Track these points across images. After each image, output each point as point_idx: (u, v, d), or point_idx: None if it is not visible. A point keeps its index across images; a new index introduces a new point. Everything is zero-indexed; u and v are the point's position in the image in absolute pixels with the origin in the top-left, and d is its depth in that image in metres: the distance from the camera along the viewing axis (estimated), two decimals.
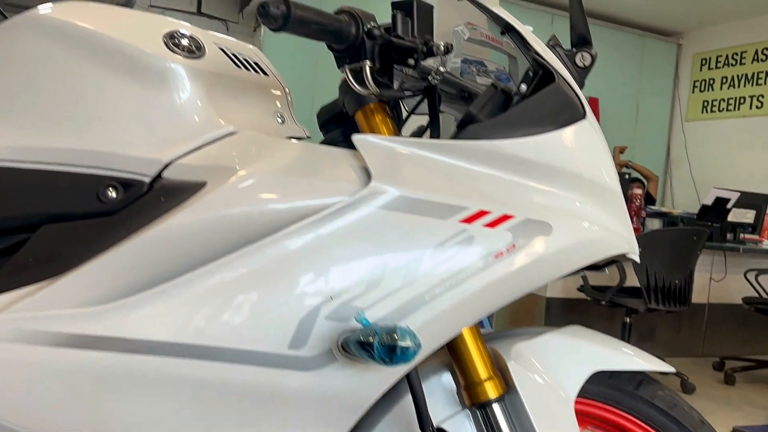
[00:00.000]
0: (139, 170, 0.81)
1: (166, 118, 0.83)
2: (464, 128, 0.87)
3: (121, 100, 0.82)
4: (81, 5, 0.90)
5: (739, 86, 5.98)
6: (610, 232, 0.85)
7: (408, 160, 0.79)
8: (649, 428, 0.90)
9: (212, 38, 0.92)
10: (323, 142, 0.96)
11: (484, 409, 0.84)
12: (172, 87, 0.83)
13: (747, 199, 4.49)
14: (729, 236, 4.38)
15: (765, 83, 5.76)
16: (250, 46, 0.98)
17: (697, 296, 4.02)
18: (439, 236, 0.76)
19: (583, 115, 0.85)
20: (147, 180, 0.81)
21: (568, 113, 0.84)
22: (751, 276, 3.87)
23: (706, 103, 6.28)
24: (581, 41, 0.97)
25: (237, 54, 0.93)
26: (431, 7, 0.91)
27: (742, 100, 5.96)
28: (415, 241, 0.76)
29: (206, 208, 0.75)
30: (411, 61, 0.85)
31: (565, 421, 0.85)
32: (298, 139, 0.94)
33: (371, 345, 0.66)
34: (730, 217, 4.31)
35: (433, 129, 0.97)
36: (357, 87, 0.84)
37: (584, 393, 0.88)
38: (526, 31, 0.94)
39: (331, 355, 0.73)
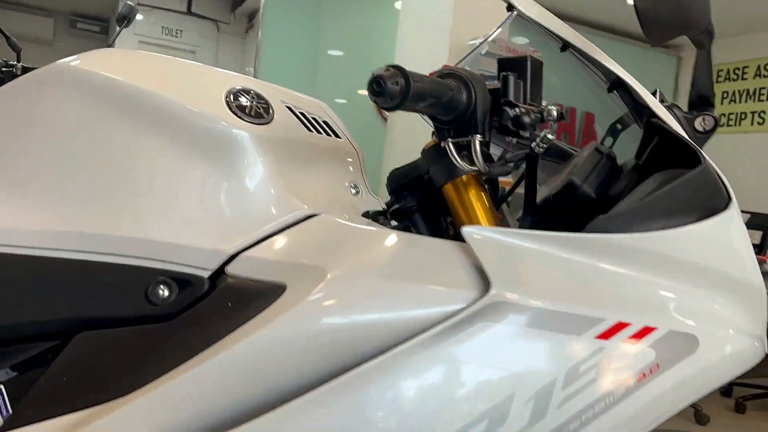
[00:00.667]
0: (196, 263, 0.66)
1: (230, 198, 0.68)
2: (565, 198, 0.74)
3: (173, 176, 0.68)
4: (119, 54, 0.75)
5: (740, 102, 5.93)
6: (753, 339, 0.71)
7: (529, 259, 0.65)
8: None
9: (278, 94, 0.77)
10: (396, 211, 0.82)
11: None
12: (238, 160, 0.68)
13: (755, 220, 4.43)
14: None
15: (767, 99, 5.71)
16: (318, 102, 0.83)
17: None
18: (573, 358, 0.62)
19: (728, 202, 0.72)
20: (206, 275, 0.66)
21: (713, 200, 0.71)
22: None
23: None
24: (703, 102, 0.83)
25: (306, 113, 0.78)
26: (542, 64, 0.77)
27: (743, 116, 5.90)
28: (545, 364, 0.62)
29: (297, 321, 0.60)
30: (525, 133, 0.71)
31: None
32: (375, 214, 0.80)
33: None
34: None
35: (528, 202, 0.83)
36: (461, 163, 0.70)
37: None
38: (641, 87, 0.81)
39: None
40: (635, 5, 0.73)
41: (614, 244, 0.67)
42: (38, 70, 0.72)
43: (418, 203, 0.81)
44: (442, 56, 3.47)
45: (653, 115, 0.78)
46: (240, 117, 0.70)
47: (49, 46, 6.15)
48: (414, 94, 0.60)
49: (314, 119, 0.79)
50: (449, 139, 0.70)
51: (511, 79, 0.72)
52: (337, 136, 0.81)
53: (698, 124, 0.83)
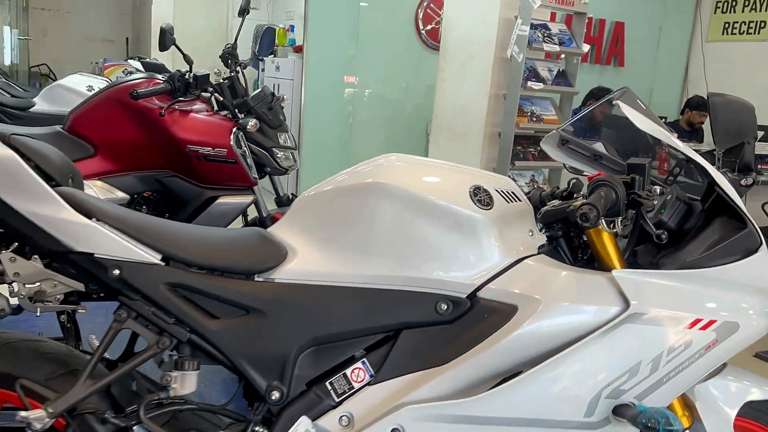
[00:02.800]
0: (458, 290, 1.20)
1: (474, 253, 1.21)
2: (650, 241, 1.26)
3: (445, 243, 1.20)
4: (407, 165, 1.25)
5: (760, 10, 6.16)
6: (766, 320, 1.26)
7: (654, 288, 1.18)
8: None
9: (493, 183, 1.27)
10: (551, 238, 1.34)
11: None
12: (479, 233, 1.21)
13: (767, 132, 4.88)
14: None
15: None
16: (507, 179, 1.33)
17: None
18: (672, 340, 1.17)
19: (759, 245, 1.24)
20: (464, 297, 1.20)
21: (753, 245, 1.23)
22: None
23: (727, 25, 6.48)
24: (746, 169, 1.33)
25: (503, 191, 1.28)
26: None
27: (763, 24, 6.16)
28: (657, 344, 1.17)
29: (529, 326, 1.14)
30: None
31: None
32: (543, 246, 1.32)
33: (655, 428, 1.08)
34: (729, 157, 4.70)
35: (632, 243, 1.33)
36: (608, 229, 1.22)
37: (740, 414, 1.33)
38: (709, 166, 1.30)
39: (607, 420, 1.16)
40: (711, 115, 1.22)
41: (698, 275, 1.20)
42: (362, 182, 1.22)
43: (564, 235, 1.34)
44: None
45: (715, 182, 1.28)
46: (478, 206, 1.21)
47: None
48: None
49: (511, 193, 1.29)
50: (603, 219, 1.20)
51: (637, 180, 1.21)
52: (519, 200, 1.32)
53: (743, 182, 1.33)
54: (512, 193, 1.31)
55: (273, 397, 1.17)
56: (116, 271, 1.13)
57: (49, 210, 1.10)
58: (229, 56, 2.57)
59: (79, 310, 2.46)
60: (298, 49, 5.48)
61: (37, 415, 1.04)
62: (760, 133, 4.64)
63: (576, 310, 1.16)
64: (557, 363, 1.14)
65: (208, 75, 2.36)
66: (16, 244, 2.43)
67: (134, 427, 1.15)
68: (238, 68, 2.55)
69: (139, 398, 1.19)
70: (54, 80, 9.00)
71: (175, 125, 2.27)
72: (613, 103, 1.29)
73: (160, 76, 2.37)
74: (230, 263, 1.20)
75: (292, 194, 2.72)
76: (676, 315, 1.18)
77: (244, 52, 2.85)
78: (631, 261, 1.29)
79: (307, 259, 1.22)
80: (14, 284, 2.35)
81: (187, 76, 2.31)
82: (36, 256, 2.46)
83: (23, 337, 1.23)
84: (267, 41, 6.05)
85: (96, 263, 1.13)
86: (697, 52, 6.71)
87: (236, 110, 2.42)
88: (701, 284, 1.21)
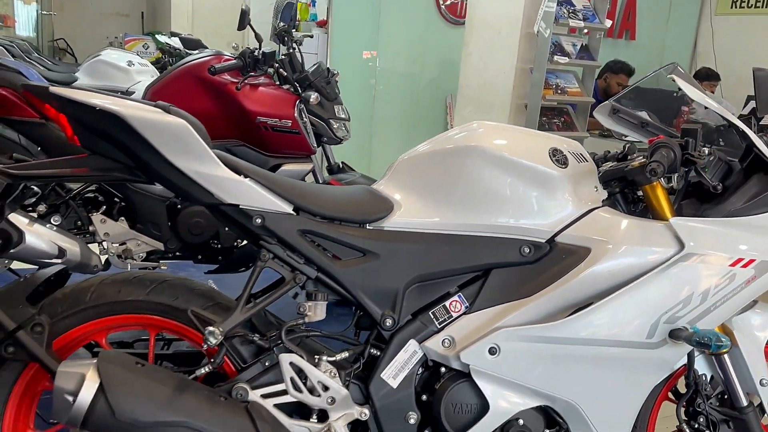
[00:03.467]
0: (539, 236, 1.44)
1: (553, 205, 1.44)
2: (695, 193, 1.49)
3: (529, 197, 1.43)
4: (493, 130, 1.47)
5: None
6: None
7: (704, 232, 1.41)
8: None
9: (566, 146, 1.50)
10: (610, 194, 1.57)
11: (720, 357, 1.54)
12: (557, 187, 1.44)
13: None
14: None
15: None
16: (575, 143, 1.56)
17: None
18: (719, 275, 1.41)
19: None
20: (544, 242, 1.43)
21: None
22: None
23: None
24: None
25: (575, 153, 1.51)
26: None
27: None
28: (708, 278, 1.40)
29: (600, 265, 1.38)
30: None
31: (759, 360, 1.55)
32: (604, 201, 1.55)
33: (707, 344, 1.32)
34: (762, 122, 4.93)
35: (682, 194, 1.56)
36: (665, 184, 1.44)
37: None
38: (748, 129, 1.52)
39: (664, 341, 1.40)
40: (755, 86, 1.45)
41: (740, 222, 1.43)
42: (457, 145, 1.45)
43: (621, 192, 1.57)
44: None
45: (753, 144, 1.50)
46: (556, 165, 1.43)
47: None
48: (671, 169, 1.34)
49: (580, 154, 1.51)
50: (663, 178, 1.43)
51: (690, 142, 1.44)
52: (587, 160, 1.54)
53: None
54: (581, 154, 1.54)
55: (386, 324, 1.41)
56: (258, 220, 1.35)
57: (207, 169, 1.32)
58: (285, 34, 2.76)
59: (161, 267, 2.71)
60: (322, 24, 5.64)
61: (211, 330, 1.27)
62: None
63: (639, 252, 1.40)
64: (623, 295, 1.38)
65: (274, 52, 2.56)
66: (105, 207, 2.67)
67: (274, 348, 1.39)
68: (295, 45, 2.75)
69: (273, 327, 1.43)
70: (72, 55, 9.15)
71: (246, 98, 2.48)
72: (668, 76, 1.51)
73: (228, 54, 2.57)
74: (348, 214, 1.42)
75: (342, 163, 2.94)
76: (722, 255, 1.42)
77: (264, 26, 3.02)
78: (678, 214, 1.53)
79: (410, 210, 1.45)
80: (104, 243, 2.60)
81: (256, 53, 2.51)
82: (122, 218, 2.71)
83: (173, 277, 1.45)
84: (288, 16, 6.20)
85: (242, 213, 1.35)
86: (706, 25, 6.88)
87: (297, 84, 2.62)
88: (743, 230, 1.45)
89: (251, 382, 1.36)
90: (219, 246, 2.56)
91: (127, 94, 4.03)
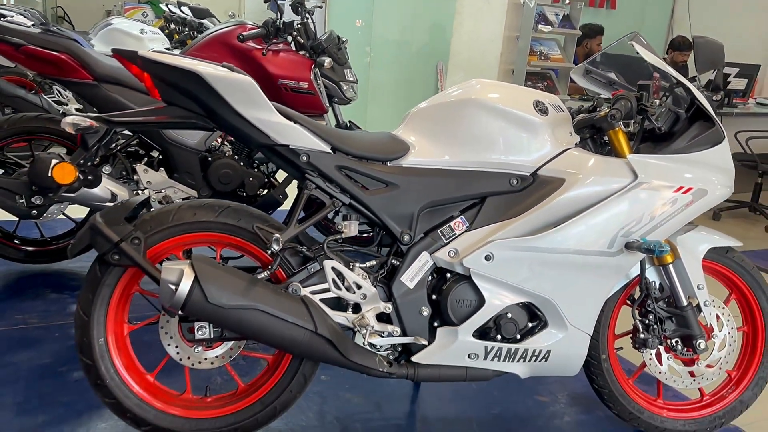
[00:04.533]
0: (525, 170, 1.82)
1: (536, 145, 1.82)
2: (651, 137, 1.88)
3: (517, 139, 1.81)
4: (492, 87, 1.84)
5: None
6: (727, 188, 1.89)
7: (653, 166, 1.81)
8: (731, 274, 2.02)
9: (547, 99, 1.87)
10: (582, 139, 1.95)
11: (666, 267, 1.94)
12: (539, 131, 1.82)
13: (743, 70, 5.49)
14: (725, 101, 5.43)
15: None
16: (554, 96, 1.93)
17: None
18: (664, 199, 1.80)
19: (723, 138, 1.86)
20: (528, 174, 1.82)
21: (718, 137, 1.85)
22: (741, 137, 4.98)
23: None
24: (716, 89, 1.95)
25: (554, 104, 1.89)
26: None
27: None
28: (656, 201, 1.80)
29: (572, 192, 1.77)
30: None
31: (697, 270, 1.96)
32: (577, 143, 1.93)
33: (653, 250, 1.73)
34: (729, 87, 5.33)
35: (639, 137, 1.95)
36: (624, 127, 1.83)
37: (705, 257, 1.99)
38: (692, 87, 1.91)
39: (621, 251, 1.80)
40: (695, 51, 1.83)
41: (685, 158, 1.83)
42: (459, 98, 1.82)
43: (591, 138, 1.95)
44: None
45: (695, 97, 1.89)
46: (540, 114, 1.81)
47: None
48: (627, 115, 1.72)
49: (558, 106, 1.89)
50: (621, 124, 1.81)
51: (644, 95, 1.82)
52: (563, 111, 1.92)
53: (714, 97, 1.94)
54: (559, 106, 1.92)
55: (405, 239, 1.80)
56: (304, 157, 1.72)
57: (266, 116, 1.67)
58: (299, 5, 3.09)
59: None
60: None
61: (277, 237, 1.65)
62: (736, 70, 5.26)
63: (602, 182, 1.79)
64: (590, 215, 1.77)
65: (293, 22, 2.90)
66: (146, 159, 3.05)
67: (317, 258, 1.77)
68: (308, 15, 3.08)
69: (316, 243, 1.81)
70: (69, 22, 9.31)
71: (270, 63, 2.82)
72: (629, 43, 1.89)
73: (251, 23, 2.90)
74: (373, 153, 1.79)
75: (350, 121, 3.30)
76: (667, 184, 1.81)
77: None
78: (636, 153, 1.92)
79: (423, 151, 1.83)
80: (146, 190, 2.98)
81: (277, 23, 2.84)
82: (162, 169, 3.10)
83: (235, 204, 1.81)
84: None
85: (292, 151, 1.71)
86: None
87: (312, 50, 2.96)
88: (684, 164, 1.84)
89: (302, 282, 1.74)
90: (245, 194, 2.92)
91: None
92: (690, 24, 7.13)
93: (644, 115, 1.85)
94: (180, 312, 1.59)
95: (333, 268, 1.73)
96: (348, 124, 3.30)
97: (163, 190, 2.82)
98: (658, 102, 1.86)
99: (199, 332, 1.71)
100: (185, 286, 1.56)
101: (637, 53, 1.90)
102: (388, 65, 6.13)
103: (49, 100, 3.62)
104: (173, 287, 1.56)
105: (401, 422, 2.14)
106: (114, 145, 2.67)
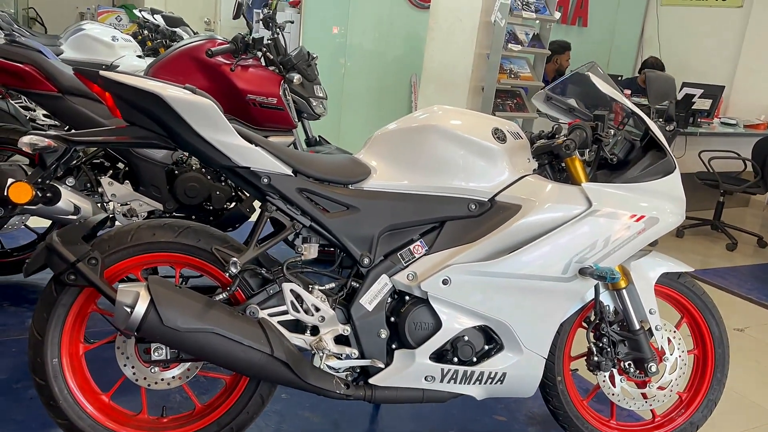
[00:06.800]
0: (482, 196, 1.86)
1: (494, 172, 1.86)
2: (607, 164, 1.93)
3: (475, 165, 1.85)
4: (451, 114, 1.88)
5: None
6: (678, 215, 1.95)
7: (607, 194, 1.85)
8: (683, 299, 2.08)
9: (506, 126, 1.91)
10: (540, 165, 1.99)
11: (619, 292, 1.99)
12: (497, 158, 1.86)
13: (708, 91, 5.63)
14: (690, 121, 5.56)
15: None
16: (513, 124, 1.98)
17: None
18: (618, 226, 1.85)
19: (674, 168, 1.92)
20: (486, 200, 1.86)
21: (670, 167, 1.91)
22: (704, 156, 5.10)
23: None
24: (669, 119, 2.01)
25: (512, 132, 1.93)
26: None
27: None
28: (609, 229, 1.85)
29: (528, 218, 1.81)
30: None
31: (649, 295, 2.01)
32: (535, 170, 1.97)
33: (604, 277, 1.77)
34: (694, 107, 5.47)
35: (595, 166, 2.00)
36: (580, 157, 1.88)
37: (658, 282, 2.04)
38: (646, 118, 1.96)
39: (576, 276, 1.85)
40: (647, 84, 1.88)
41: (637, 187, 1.88)
42: (420, 124, 1.85)
43: (550, 164, 1.99)
44: None
45: (648, 127, 1.94)
46: (498, 141, 1.85)
47: None
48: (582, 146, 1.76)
49: (516, 133, 1.93)
50: (577, 152, 1.86)
51: (599, 125, 1.87)
52: (522, 138, 1.96)
53: (668, 128, 2.00)
54: (517, 133, 1.96)
55: (364, 262, 1.82)
56: (266, 180, 1.73)
57: (227, 138, 1.69)
58: (269, 20, 3.11)
59: None
60: (294, 4, 5.95)
61: (234, 260, 1.66)
62: (701, 91, 5.40)
63: (558, 208, 1.83)
64: (545, 241, 1.81)
65: (263, 37, 2.91)
66: (111, 171, 3.03)
67: (276, 280, 1.78)
68: (278, 30, 3.10)
69: (275, 264, 1.82)
70: (41, 24, 9.19)
71: (238, 78, 2.83)
72: (585, 73, 1.94)
73: (220, 38, 2.91)
74: (335, 176, 1.81)
75: (319, 136, 3.32)
76: (621, 212, 1.86)
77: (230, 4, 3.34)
78: (593, 181, 1.96)
79: (384, 175, 1.85)
80: (111, 203, 2.96)
81: (246, 38, 2.85)
82: (127, 181, 3.07)
83: (195, 224, 1.82)
84: (260, 2, 6.49)
85: (253, 174, 1.72)
86: (653, 15, 7.41)
87: (282, 66, 2.98)
88: (637, 193, 1.90)
89: (260, 304, 1.75)
90: (211, 207, 2.92)
91: (111, 68, 4.31)
92: (659, 43, 7.30)
93: (599, 144, 1.89)
94: (135, 334, 1.59)
95: (292, 291, 1.75)
96: (318, 139, 3.31)
97: (128, 203, 2.81)
98: (613, 132, 1.91)
99: (156, 353, 1.71)
100: (140, 308, 1.57)
101: (593, 84, 1.96)
102: (363, 75, 6.16)
103: (16, 105, 3.58)
104: (128, 309, 1.57)
105: None
106: (80, 154, 2.65)
